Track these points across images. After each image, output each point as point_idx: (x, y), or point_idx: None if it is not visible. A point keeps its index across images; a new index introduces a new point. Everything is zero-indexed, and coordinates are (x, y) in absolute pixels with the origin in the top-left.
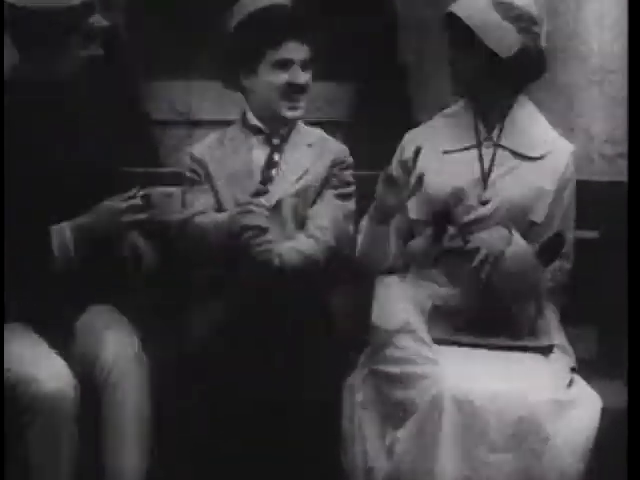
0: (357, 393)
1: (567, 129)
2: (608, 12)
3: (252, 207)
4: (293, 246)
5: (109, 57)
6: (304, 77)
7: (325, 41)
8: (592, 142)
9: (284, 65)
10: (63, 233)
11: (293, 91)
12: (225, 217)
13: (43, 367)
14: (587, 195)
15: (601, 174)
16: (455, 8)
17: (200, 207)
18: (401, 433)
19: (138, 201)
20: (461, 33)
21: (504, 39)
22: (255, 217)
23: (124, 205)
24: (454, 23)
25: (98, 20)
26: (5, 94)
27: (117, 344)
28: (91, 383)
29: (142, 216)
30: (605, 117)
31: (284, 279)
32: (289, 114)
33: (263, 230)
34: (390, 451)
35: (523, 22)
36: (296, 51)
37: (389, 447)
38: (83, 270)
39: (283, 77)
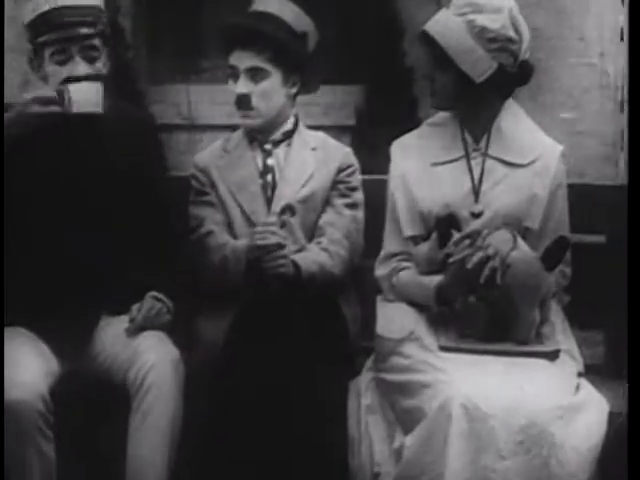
0: (363, 397)
1: (575, 133)
2: (609, 14)
3: (268, 234)
4: (307, 255)
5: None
6: (246, 87)
7: (330, 45)
8: (600, 145)
9: (233, 73)
10: None
11: (238, 100)
12: (243, 245)
13: (11, 375)
14: (594, 199)
15: (608, 178)
16: (430, 27)
17: (210, 225)
18: (409, 439)
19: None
20: (438, 50)
21: (477, 64)
22: (272, 236)
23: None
24: (430, 40)
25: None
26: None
27: (156, 350)
28: (120, 389)
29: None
30: (613, 120)
31: (300, 286)
32: (242, 122)
33: (281, 247)
34: (398, 456)
35: (498, 43)
36: (241, 59)
37: (397, 452)
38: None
39: (233, 86)
